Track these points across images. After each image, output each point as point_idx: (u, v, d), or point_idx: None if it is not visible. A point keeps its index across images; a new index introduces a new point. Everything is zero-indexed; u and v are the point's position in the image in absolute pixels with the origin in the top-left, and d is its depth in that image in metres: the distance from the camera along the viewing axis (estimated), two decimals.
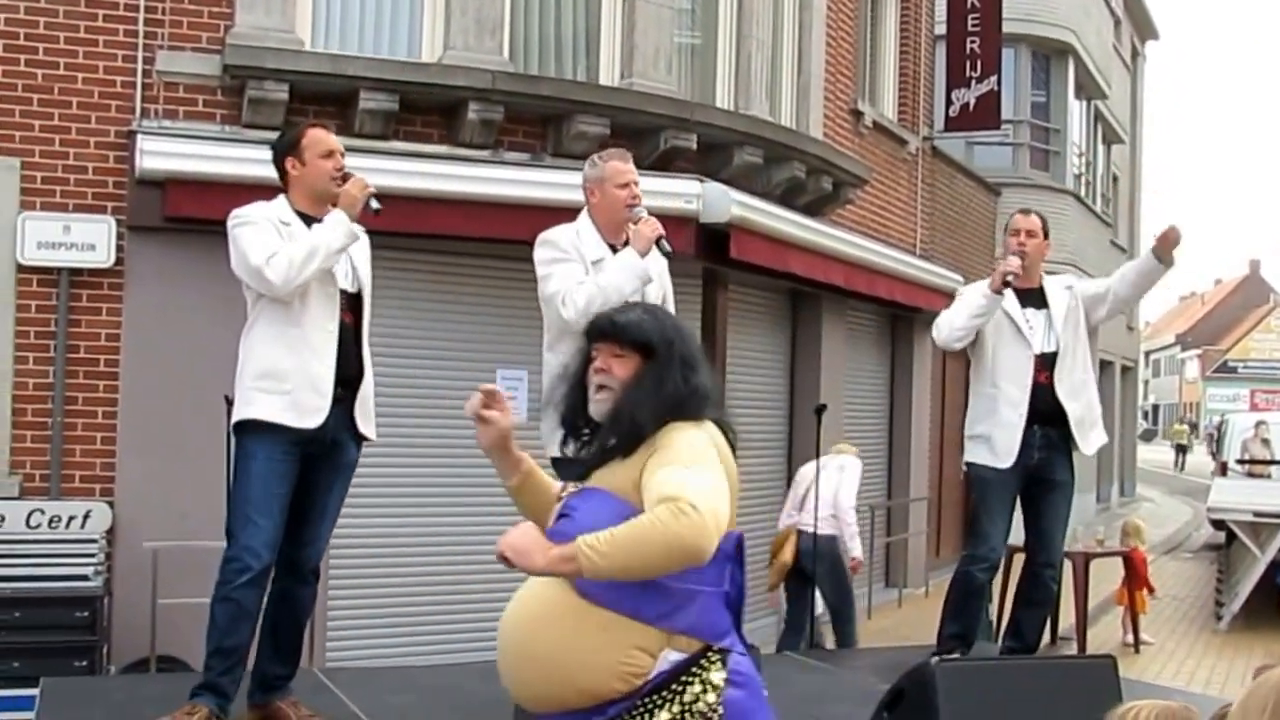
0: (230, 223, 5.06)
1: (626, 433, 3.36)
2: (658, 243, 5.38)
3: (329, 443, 5.01)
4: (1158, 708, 2.46)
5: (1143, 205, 32.40)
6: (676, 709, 3.24)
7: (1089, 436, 6.63)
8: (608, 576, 3.13)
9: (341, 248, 4.98)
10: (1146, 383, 63.57)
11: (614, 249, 5.44)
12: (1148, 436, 57.85)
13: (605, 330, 3.52)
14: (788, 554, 9.50)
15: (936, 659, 4.34)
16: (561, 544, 3.15)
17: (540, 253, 5.52)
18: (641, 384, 3.41)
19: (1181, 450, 50.22)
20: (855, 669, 6.82)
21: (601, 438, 3.43)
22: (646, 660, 3.23)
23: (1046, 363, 6.51)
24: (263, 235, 4.94)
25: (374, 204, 5.07)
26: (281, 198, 5.17)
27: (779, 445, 12.63)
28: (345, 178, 5.14)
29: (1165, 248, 6.41)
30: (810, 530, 9.33)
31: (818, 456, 9.66)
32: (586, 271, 5.43)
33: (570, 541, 3.12)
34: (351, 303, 5.13)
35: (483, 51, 9.29)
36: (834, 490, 9.43)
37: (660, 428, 3.35)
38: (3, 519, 7.90)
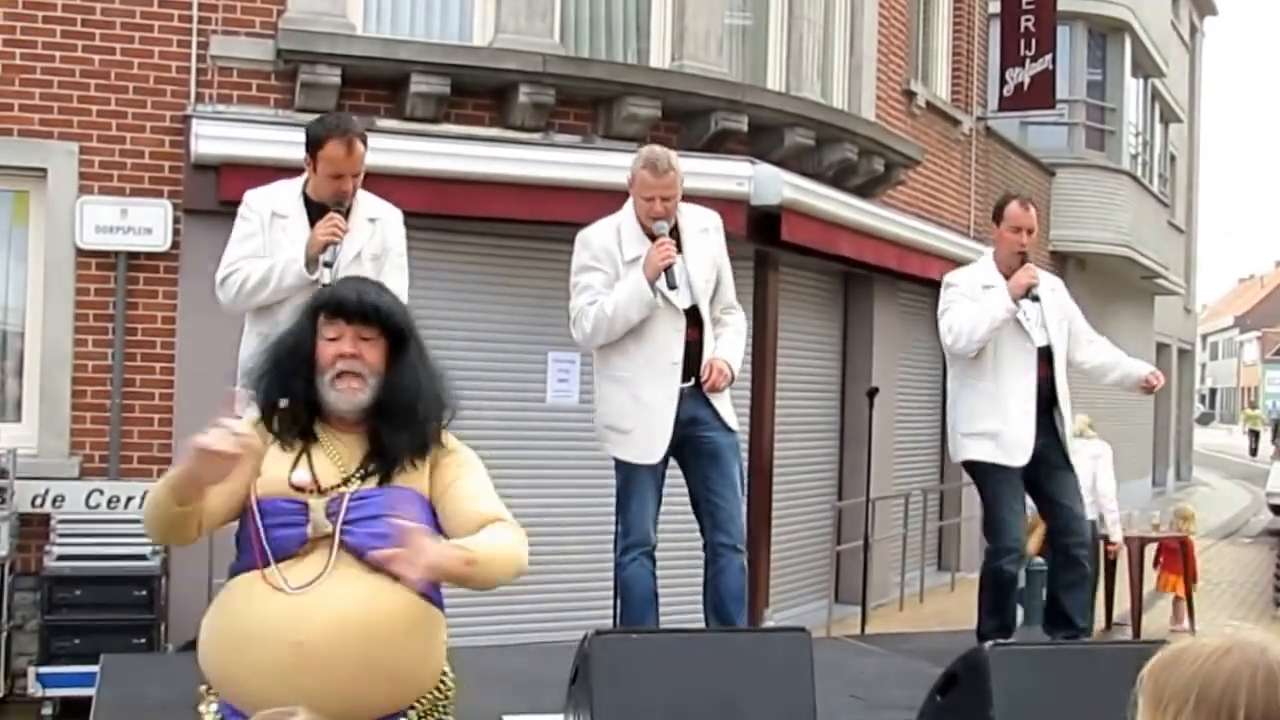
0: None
1: (422, 437, 3.32)
2: (666, 271, 5.38)
3: None
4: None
5: (1201, 185, 32.05)
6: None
7: (1072, 445, 6.55)
8: (467, 585, 3.21)
9: (291, 287, 4.92)
10: (1204, 366, 63.00)
11: (653, 237, 5.50)
12: (1205, 420, 57.29)
13: (353, 309, 3.30)
14: (1037, 539, 9.84)
15: (990, 644, 4.31)
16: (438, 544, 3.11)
17: (575, 255, 5.65)
18: (408, 377, 3.31)
19: (1255, 436, 49.33)
20: (907, 653, 6.79)
21: (391, 441, 3.28)
22: (444, 652, 3.40)
23: (1045, 356, 6.41)
24: (240, 243, 5.05)
25: (327, 255, 4.94)
26: (304, 176, 5.19)
27: (831, 428, 12.59)
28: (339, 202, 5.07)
29: (1149, 389, 6.53)
30: None
31: (869, 441, 9.64)
32: (617, 275, 5.51)
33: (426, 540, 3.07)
34: None
35: (534, 34, 9.30)
36: (1092, 476, 9.96)
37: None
38: (63, 499, 8.00)
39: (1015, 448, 6.32)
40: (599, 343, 5.60)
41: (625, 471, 5.64)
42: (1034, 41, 17.23)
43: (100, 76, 8.43)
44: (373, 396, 3.27)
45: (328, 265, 4.94)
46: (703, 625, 5.76)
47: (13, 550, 7.78)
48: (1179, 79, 27.31)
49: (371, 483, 3.27)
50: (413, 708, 3.31)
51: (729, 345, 5.73)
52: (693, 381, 5.57)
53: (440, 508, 3.33)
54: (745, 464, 6.02)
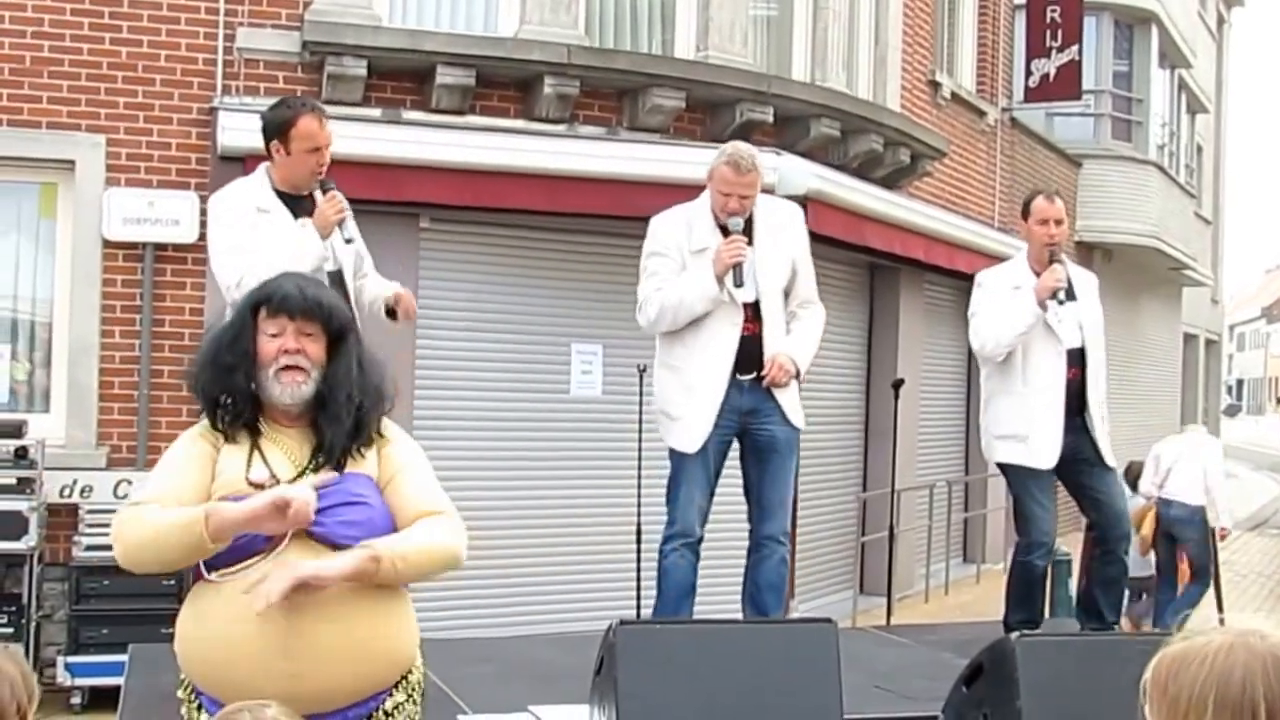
0: (210, 210, 5.16)
1: (363, 427, 3.33)
2: (734, 269, 5.40)
3: None
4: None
5: (1227, 176, 31.87)
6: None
7: (1105, 449, 6.44)
8: (395, 581, 3.22)
9: (314, 270, 4.87)
10: (1230, 357, 62.65)
11: (725, 231, 5.53)
12: (1231, 412, 56.97)
13: (296, 306, 3.31)
14: (1147, 528, 10.54)
15: (1016, 634, 4.31)
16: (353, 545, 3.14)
17: (645, 241, 5.72)
18: (348, 369, 3.33)
19: None
20: (932, 644, 6.78)
21: (335, 432, 3.29)
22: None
23: (1076, 359, 6.34)
24: (235, 251, 4.88)
25: (346, 232, 4.96)
26: (263, 172, 5.14)
27: (856, 420, 12.57)
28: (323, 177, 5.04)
29: None
30: (1178, 501, 10.50)
31: (894, 432, 9.63)
32: (683, 264, 5.55)
33: (364, 538, 3.15)
34: (334, 280, 4.97)
35: (559, 25, 9.30)
36: (1203, 465, 10.54)
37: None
38: (91, 489, 8.05)
39: (1042, 450, 6.27)
40: (662, 329, 5.64)
41: (675, 459, 5.68)
42: (1060, 32, 17.14)
43: (128, 69, 8.47)
44: (314, 389, 3.30)
45: (349, 241, 4.96)
46: (739, 616, 5.80)
47: (41, 540, 7.82)
48: (1206, 69, 27.16)
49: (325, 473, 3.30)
50: (391, 692, 3.33)
51: (799, 341, 5.74)
52: (755, 375, 5.58)
53: (385, 495, 3.35)
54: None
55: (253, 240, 4.89)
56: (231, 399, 3.30)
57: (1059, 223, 6.31)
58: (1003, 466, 6.54)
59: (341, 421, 3.30)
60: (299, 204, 5.06)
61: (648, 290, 5.62)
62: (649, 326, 5.68)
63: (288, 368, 3.28)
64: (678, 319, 5.54)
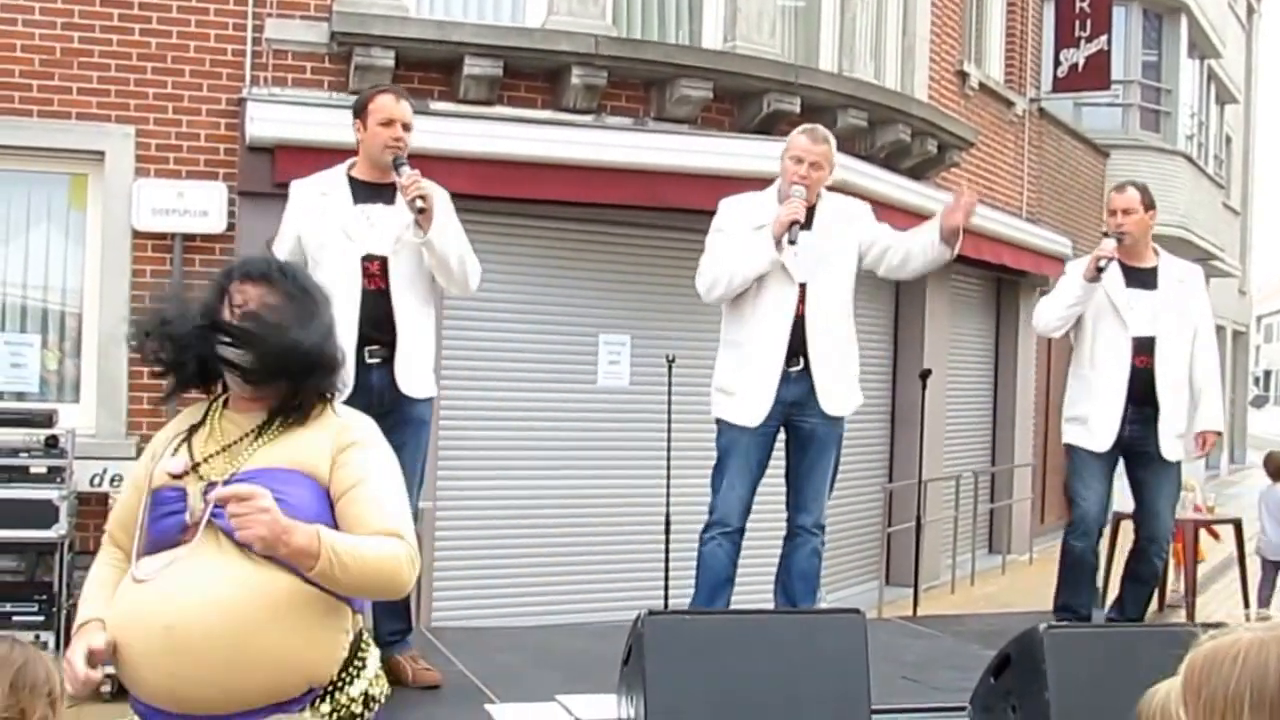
0: None
1: (299, 387, 3.22)
2: (790, 228, 5.47)
3: (385, 404, 4.99)
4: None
5: (1257, 166, 31.67)
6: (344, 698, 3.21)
7: (1170, 443, 6.48)
8: (329, 583, 3.03)
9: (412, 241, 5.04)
10: (1258, 348, 62.23)
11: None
12: (1259, 403, 56.65)
13: (258, 271, 3.30)
14: None
15: (1044, 625, 4.31)
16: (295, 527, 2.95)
17: (713, 221, 5.83)
18: (291, 318, 3.23)
19: None
20: (959, 635, 6.79)
21: (303, 383, 3.21)
22: (346, 643, 3.20)
23: (1145, 346, 6.39)
24: (279, 237, 5.17)
25: (419, 203, 4.95)
26: (346, 163, 5.24)
27: (882, 410, 12.56)
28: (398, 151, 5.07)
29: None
30: None
31: (921, 423, 9.62)
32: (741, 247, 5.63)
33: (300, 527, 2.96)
34: (383, 265, 5.06)
35: (586, 16, 9.30)
36: None
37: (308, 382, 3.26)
38: (120, 478, 8.08)
39: (1099, 432, 6.42)
40: (718, 294, 5.68)
41: (725, 437, 5.74)
42: (1089, 22, 17.05)
43: (157, 60, 8.50)
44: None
45: (420, 210, 4.94)
46: (771, 605, 5.85)
47: (71, 529, 7.86)
48: (1235, 59, 26.99)
49: (262, 458, 3.18)
50: (324, 699, 3.16)
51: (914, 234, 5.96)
52: (801, 364, 5.62)
53: (340, 507, 3.19)
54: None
55: (300, 224, 5.09)
56: (196, 367, 3.28)
57: (1126, 212, 6.49)
58: (1067, 448, 6.70)
59: (306, 379, 3.23)
60: (378, 191, 5.11)
61: (705, 262, 5.73)
62: (706, 293, 5.74)
63: None
64: (732, 282, 5.60)
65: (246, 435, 3.24)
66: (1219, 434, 6.68)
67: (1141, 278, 6.45)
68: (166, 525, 3.14)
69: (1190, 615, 10.96)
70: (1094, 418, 6.39)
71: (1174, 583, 11.07)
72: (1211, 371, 6.67)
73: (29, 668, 2.31)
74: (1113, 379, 6.35)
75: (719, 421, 5.80)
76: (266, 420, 3.25)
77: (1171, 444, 6.45)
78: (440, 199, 5.11)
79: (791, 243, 5.53)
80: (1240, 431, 32.19)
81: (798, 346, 5.64)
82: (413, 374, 5.09)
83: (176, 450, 3.25)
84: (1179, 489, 6.72)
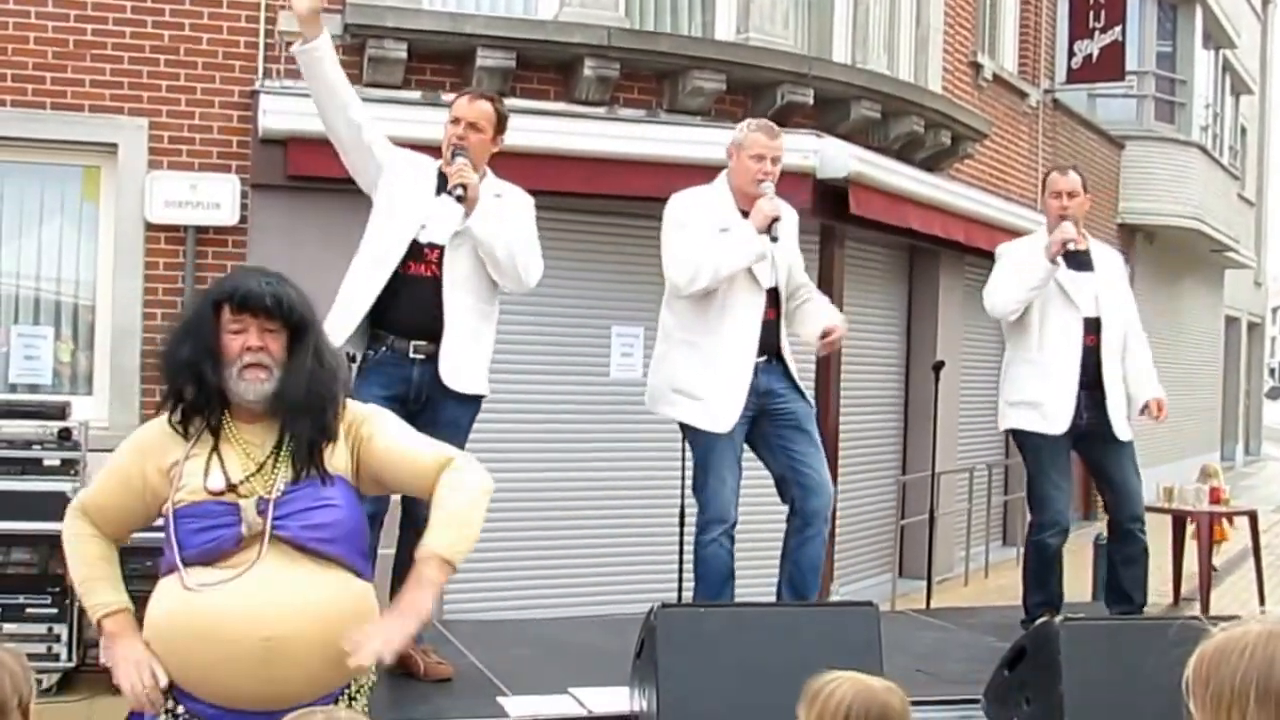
0: None
1: (324, 420, 3.34)
2: (770, 224, 5.41)
3: (422, 401, 4.99)
4: (859, 685, 2.30)
5: (1272, 157, 31.55)
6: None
7: (1121, 423, 6.45)
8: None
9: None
10: (1274, 339, 61.94)
11: (745, 214, 5.54)
12: (1274, 394, 56.48)
13: (258, 305, 3.32)
14: None
15: (1060, 618, 4.30)
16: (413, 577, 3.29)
17: (667, 215, 5.67)
18: (309, 364, 3.34)
19: None
20: (972, 627, 6.78)
21: (296, 428, 3.32)
22: None
23: (1093, 326, 6.39)
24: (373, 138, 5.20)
25: (457, 190, 4.95)
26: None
27: (895, 403, 12.54)
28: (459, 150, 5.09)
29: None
30: None
31: (934, 415, 9.60)
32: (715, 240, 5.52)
33: (331, 540, 3.25)
34: (441, 255, 5.05)
35: (599, 8, 9.29)
36: None
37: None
38: None
39: (1056, 416, 6.36)
40: (701, 285, 5.49)
41: (702, 445, 5.62)
42: (1103, 13, 17.00)
43: (170, 52, 8.50)
44: (276, 386, 3.32)
45: (459, 199, 4.93)
46: (773, 598, 5.78)
47: None
48: (1250, 50, 26.89)
49: (287, 470, 3.32)
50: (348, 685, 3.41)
51: (830, 309, 5.89)
52: (767, 358, 5.59)
53: (385, 474, 3.46)
54: None
55: (391, 169, 5.12)
56: (197, 394, 3.33)
57: (1070, 195, 6.44)
58: (1016, 435, 6.62)
59: (301, 416, 3.32)
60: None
61: (680, 248, 5.54)
62: (689, 283, 5.50)
63: (251, 365, 3.30)
64: (718, 274, 5.46)
65: (273, 449, 3.36)
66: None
67: (1079, 259, 6.45)
68: (221, 538, 3.25)
69: (1204, 609, 10.94)
70: (1049, 401, 6.34)
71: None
72: (1146, 346, 6.70)
73: None
74: (1067, 360, 6.33)
75: (685, 426, 5.66)
76: (281, 430, 3.36)
77: (1122, 424, 6.45)
78: (518, 200, 5.28)
79: (775, 239, 5.49)
80: (1255, 423, 32.10)
81: (765, 345, 5.60)
82: (460, 368, 5.04)
83: (209, 467, 3.32)
84: (1136, 463, 6.67)
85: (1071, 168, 6.74)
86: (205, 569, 3.24)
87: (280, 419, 3.34)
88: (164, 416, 3.43)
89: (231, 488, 3.27)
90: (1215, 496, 12.19)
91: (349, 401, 3.51)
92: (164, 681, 3.23)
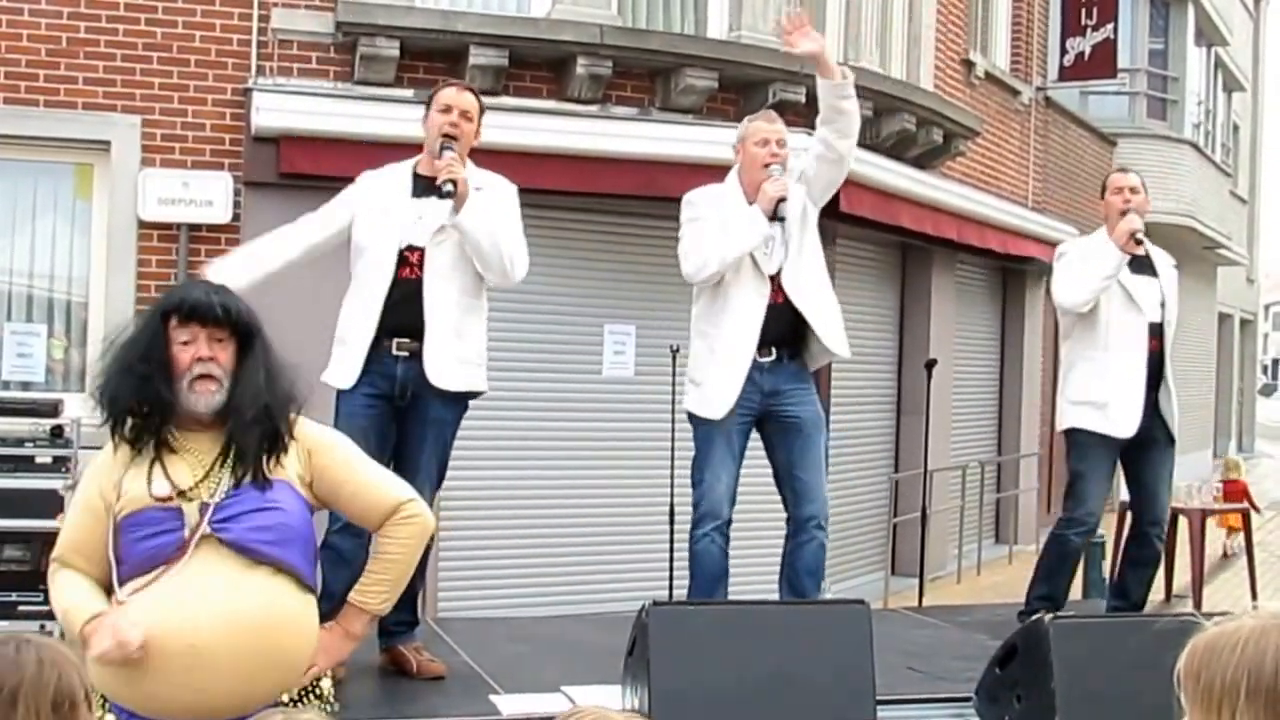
0: None
1: (274, 430, 3.34)
2: (776, 205, 5.39)
3: (408, 398, 4.97)
4: (598, 717, 2.24)
5: (1264, 154, 31.59)
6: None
7: (1176, 424, 6.50)
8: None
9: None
10: (1266, 336, 62.01)
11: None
12: (1267, 391, 56.54)
13: (207, 314, 3.33)
14: None
15: (1050, 616, 4.30)
16: (338, 621, 3.47)
17: (682, 212, 5.70)
18: (257, 374, 3.35)
19: None
20: (964, 625, 6.78)
21: (244, 437, 3.31)
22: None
23: (1156, 331, 6.39)
24: (322, 210, 5.15)
25: (447, 186, 4.91)
26: (420, 156, 5.19)
27: (888, 400, 12.55)
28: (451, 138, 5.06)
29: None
30: None
31: (927, 413, 9.61)
32: (723, 230, 5.50)
33: (275, 543, 3.27)
34: (423, 256, 5.00)
35: (591, 6, 9.29)
36: None
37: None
38: None
39: (1122, 419, 6.28)
40: (710, 272, 5.49)
41: (701, 434, 5.62)
42: (1095, 10, 17.01)
43: (163, 50, 8.50)
44: (225, 396, 3.32)
45: (447, 194, 4.88)
46: (773, 598, 5.77)
47: None
48: (1242, 47, 26.93)
49: (230, 478, 3.31)
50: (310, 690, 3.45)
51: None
52: (774, 355, 5.56)
53: (337, 505, 3.55)
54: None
55: (355, 210, 5.07)
56: (148, 408, 3.33)
57: (1133, 190, 6.46)
58: (1072, 433, 6.51)
59: (250, 427, 3.31)
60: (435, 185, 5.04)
61: (688, 243, 5.59)
62: (697, 271, 5.53)
63: (201, 376, 3.31)
64: (724, 257, 5.44)
65: (219, 455, 3.34)
66: None
67: (1140, 264, 6.44)
68: (161, 544, 3.22)
69: (1197, 605, 10.95)
70: (1115, 403, 6.29)
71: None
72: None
73: (63, 680, 2.15)
74: (1132, 363, 6.28)
75: (690, 415, 5.67)
76: (228, 437, 3.35)
77: (1177, 425, 6.47)
78: (502, 191, 5.22)
79: (781, 219, 5.47)
80: (1249, 420, 32.15)
81: (776, 333, 5.58)
82: (445, 366, 4.98)
83: (151, 474, 3.31)
84: (1173, 469, 6.68)
85: (1127, 168, 6.77)
86: (143, 578, 3.22)
87: (228, 426, 3.34)
88: (106, 449, 3.44)
89: (180, 493, 3.26)
90: (1239, 489, 12.24)
91: (311, 425, 3.51)
92: (132, 635, 3.11)
